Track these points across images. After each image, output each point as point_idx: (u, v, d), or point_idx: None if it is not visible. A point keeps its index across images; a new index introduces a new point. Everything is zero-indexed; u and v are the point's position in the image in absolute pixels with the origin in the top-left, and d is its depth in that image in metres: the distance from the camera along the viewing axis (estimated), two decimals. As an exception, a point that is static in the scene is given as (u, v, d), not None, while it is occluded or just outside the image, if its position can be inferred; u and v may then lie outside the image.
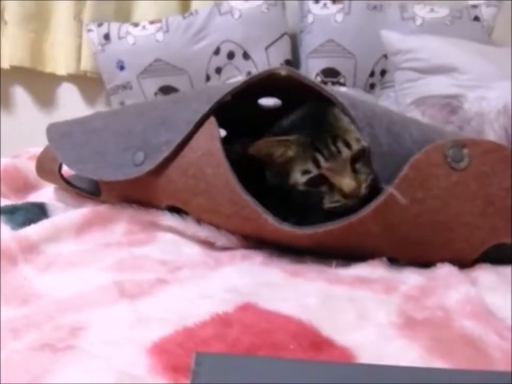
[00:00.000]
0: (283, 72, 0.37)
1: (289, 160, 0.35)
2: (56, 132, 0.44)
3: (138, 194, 0.40)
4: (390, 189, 0.30)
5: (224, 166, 0.33)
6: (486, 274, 0.32)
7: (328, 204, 0.34)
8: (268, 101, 0.45)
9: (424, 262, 0.32)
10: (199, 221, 0.37)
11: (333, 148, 0.33)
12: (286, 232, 0.31)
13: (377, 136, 0.32)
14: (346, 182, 0.33)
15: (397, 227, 0.31)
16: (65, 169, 0.45)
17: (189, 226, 0.37)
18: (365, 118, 0.33)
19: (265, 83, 0.37)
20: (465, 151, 0.31)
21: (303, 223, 0.32)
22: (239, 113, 0.39)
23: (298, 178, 0.34)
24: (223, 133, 0.44)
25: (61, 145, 0.42)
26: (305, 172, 0.34)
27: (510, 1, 0.97)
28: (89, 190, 0.44)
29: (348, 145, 0.33)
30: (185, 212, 0.38)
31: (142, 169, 0.36)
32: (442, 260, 0.32)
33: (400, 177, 0.30)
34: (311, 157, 0.34)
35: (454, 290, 0.28)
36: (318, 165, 0.34)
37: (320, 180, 0.34)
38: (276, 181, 0.37)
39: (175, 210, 0.38)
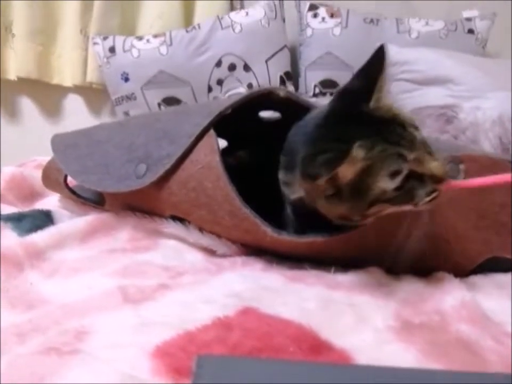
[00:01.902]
0: (282, 93, 0.37)
1: (365, 172, 0.27)
2: (60, 143, 0.45)
3: (141, 204, 0.41)
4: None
5: (224, 180, 0.33)
6: (482, 280, 0.32)
7: (424, 197, 0.27)
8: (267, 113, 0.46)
9: (424, 271, 0.32)
10: (201, 229, 0.38)
11: (407, 135, 0.27)
12: (285, 242, 0.32)
13: None
14: (435, 165, 0.27)
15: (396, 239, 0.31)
16: (71, 180, 0.46)
17: (191, 234, 0.37)
18: None
19: (265, 98, 0.38)
20: (462, 166, 0.32)
21: (300, 233, 0.32)
22: (240, 125, 0.40)
23: (387, 184, 0.27)
24: (224, 143, 0.45)
25: (65, 156, 0.44)
26: (395, 173, 0.27)
27: (507, 12, 1.00)
28: (94, 200, 0.44)
29: (415, 127, 0.28)
30: (188, 221, 0.38)
31: (144, 181, 0.37)
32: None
33: None
34: (395, 153, 0.27)
35: (450, 295, 0.28)
36: (404, 159, 0.27)
37: (407, 176, 0.27)
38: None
39: (177, 218, 0.39)
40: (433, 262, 0.33)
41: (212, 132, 0.36)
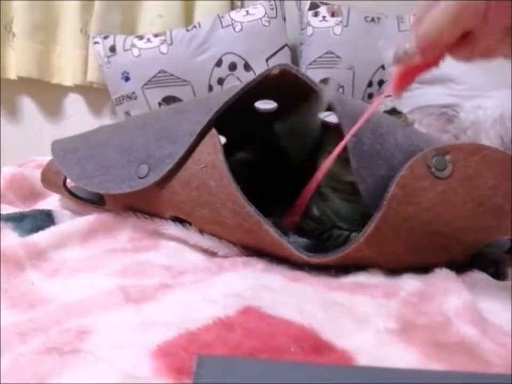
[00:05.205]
0: (275, 71, 0.36)
1: None
2: (60, 149, 0.45)
3: (142, 205, 0.40)
4: (378, 215, 0.30)
5: (227, 178, 0.33)
6: (483, 280, 0.32)
7: None
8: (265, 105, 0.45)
9: (421, 266, 0.32)
10: (201, 231, 0.38)
11: None
12: (284, 245, 0.32)
13: (360, 134, 0.32)
14: None
15: (392, 245, 0.32)
16: (70, 181, 0.46)
17: (191, 236, 0.37)
18: (350, 115, 0.32)
19: (261, 88, 0.37)
20: (448, 157, 0.31)
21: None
22: (237, 116, 0.40)
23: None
24: (223, 139, 0.45)
25: (65, 161, 0.43)
26: None
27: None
28: (94, 200, 0.44)
29: None
30: (189, 222, 0.38)
31: (147, 181, 0.37)
32: (439, 263, 0.32)
33: (388, 198, 0.30)
34: None
35: (452, 296, 0.28)
36: None
37: None
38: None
39: (178, 220, 0.39)
40: (426, 256, 0.33)
41: (213, 131, 0.36)
